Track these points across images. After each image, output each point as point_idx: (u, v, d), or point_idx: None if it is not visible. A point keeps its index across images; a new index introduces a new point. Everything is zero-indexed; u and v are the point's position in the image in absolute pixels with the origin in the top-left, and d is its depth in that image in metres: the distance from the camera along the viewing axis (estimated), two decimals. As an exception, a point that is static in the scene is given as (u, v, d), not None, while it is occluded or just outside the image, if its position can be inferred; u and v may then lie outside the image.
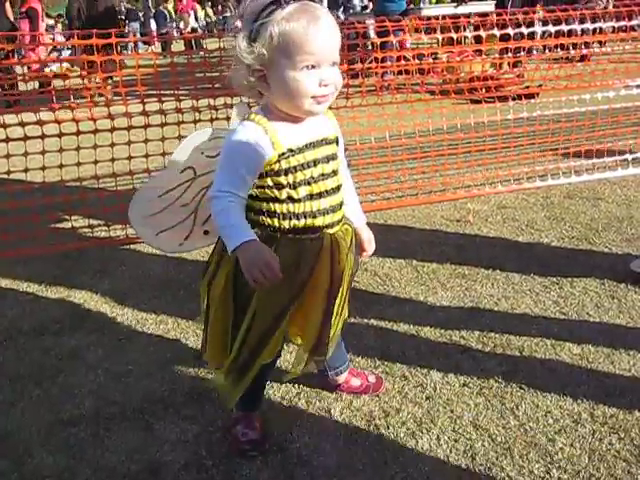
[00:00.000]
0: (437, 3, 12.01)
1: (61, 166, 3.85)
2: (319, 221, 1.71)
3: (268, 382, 2.10)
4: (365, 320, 2.61)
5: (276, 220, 1.68)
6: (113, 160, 3.88)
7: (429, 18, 7.72)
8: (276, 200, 1.67)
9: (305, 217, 1.69)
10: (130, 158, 3.89)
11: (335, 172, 1.74)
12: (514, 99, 4.85)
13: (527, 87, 5.61)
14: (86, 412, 2.16)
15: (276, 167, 1.64)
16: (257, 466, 1.87)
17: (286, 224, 1.69)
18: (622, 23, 4.90)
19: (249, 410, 1.98)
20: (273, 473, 1.85)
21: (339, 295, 1.81)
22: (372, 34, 4.54)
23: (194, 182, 1.93)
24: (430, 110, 4.61)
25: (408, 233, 3.63)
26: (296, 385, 2.21)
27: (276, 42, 1.54)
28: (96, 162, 3.88)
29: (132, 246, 3.59)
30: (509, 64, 6.85)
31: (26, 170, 3.79)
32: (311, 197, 1.69)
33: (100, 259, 3.50)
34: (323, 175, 1.70)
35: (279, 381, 2.20)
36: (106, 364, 2.45)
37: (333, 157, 1.73)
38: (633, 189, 4.14)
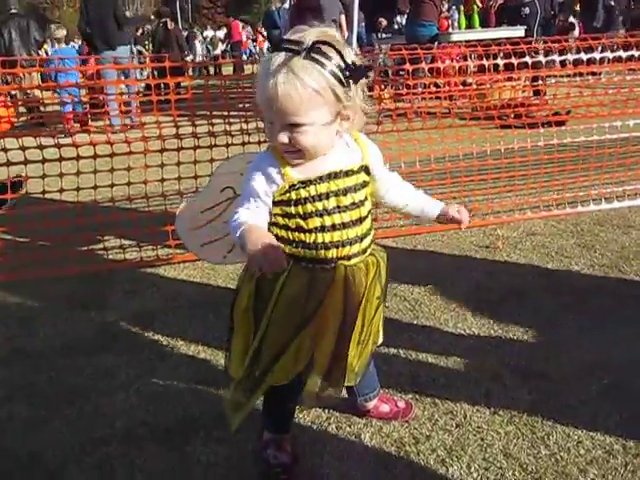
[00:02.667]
0: (467, 28, 11.87)
1: (95, 187, 3.92)
2: (332, 253, 1.69)
3: (298, 406, 2.11)
4: (395, 346, 2.61)
5: (287, 247, 1.67)
6: (146, 182, 3.93)
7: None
8: (287, 228, 1.68)
9: (317, 248, 1.68)
10: (162, 180, 3.94)
11: (356, 204, 1.70)
12: (544, 125, 4.85)
13: (556, 113, 5.59)
14: (117, 432, 2.18)
15: (286, 197, 1.65)
16: (287, 490, 1.87)
17: (296, 252, 1.68)
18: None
19: (280, 433, 1.99)
20: (303, 497, 1.85)
21: (362, 326, 1.78)
22: (388, 62, 4.52)
23: (234, 201, 1.98)
24: (460, 136, 4.62)
25: (437, 258, 3.62)
26: (326, 410, 2.21)
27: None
28: (129, 184, 3.93)
29: (163, 267, 3.64)
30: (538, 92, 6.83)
31: (61, 191, 3.85)
32: (322, 229, 1.67)
33: (131, 279, 3.55)
34: (339, 207, 1.67)
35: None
36: (137, 384, 2.47)
37: (355, 189, 1.70)
38: (664, 217, 4.10)
